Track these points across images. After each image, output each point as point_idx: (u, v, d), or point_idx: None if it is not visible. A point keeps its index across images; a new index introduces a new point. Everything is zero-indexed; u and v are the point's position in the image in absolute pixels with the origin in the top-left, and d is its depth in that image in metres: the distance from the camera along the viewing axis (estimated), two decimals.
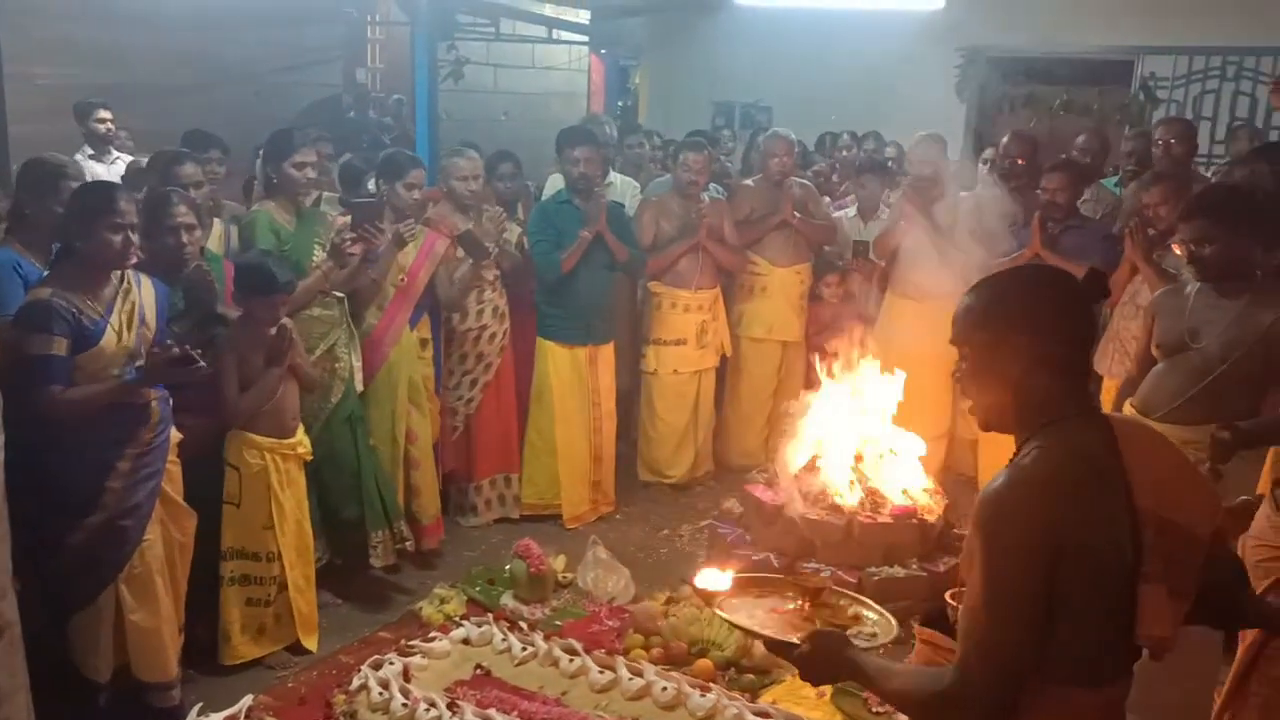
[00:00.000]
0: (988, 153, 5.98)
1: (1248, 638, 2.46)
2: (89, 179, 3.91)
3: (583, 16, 10.06)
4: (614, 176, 5.99)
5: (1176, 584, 1.77)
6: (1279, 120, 7.54)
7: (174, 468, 3.49)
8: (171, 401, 3.42)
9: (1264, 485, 3.53)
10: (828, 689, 3.67)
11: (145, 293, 3.34)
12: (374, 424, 4.49)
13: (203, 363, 3.17)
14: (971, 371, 1.86)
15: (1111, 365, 4.80)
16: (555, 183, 5.73)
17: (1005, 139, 5.77)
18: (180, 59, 7.56)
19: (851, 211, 5.89)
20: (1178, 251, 3.59)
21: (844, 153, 6.97)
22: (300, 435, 3.82)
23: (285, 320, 3.77)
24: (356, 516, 4.27)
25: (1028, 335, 1.79)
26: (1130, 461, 1.78)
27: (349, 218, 4.41)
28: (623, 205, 5.50)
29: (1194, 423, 3.27)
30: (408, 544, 4.46)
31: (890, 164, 6.52)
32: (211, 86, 7.69)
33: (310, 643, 3.86)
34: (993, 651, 1.67)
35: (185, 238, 3.60)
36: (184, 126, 5.43)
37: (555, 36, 10.29)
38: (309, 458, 3.85)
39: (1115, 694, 1.79)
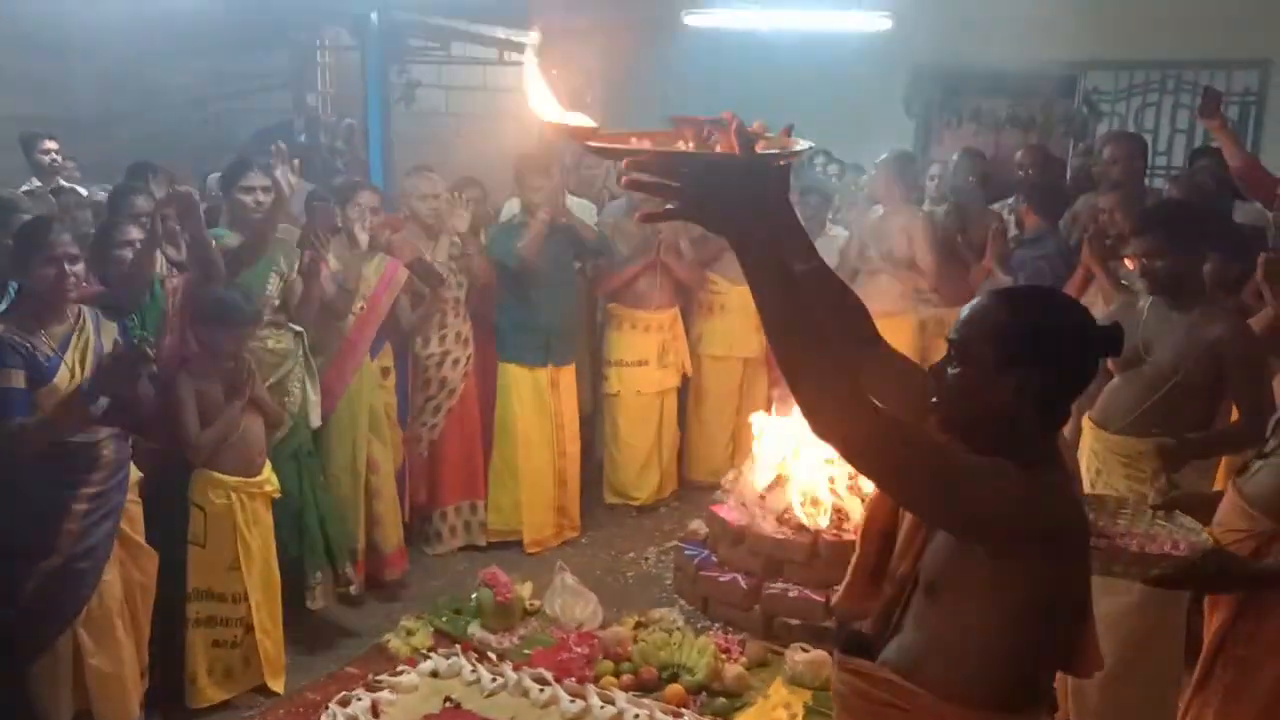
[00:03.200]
0: (934, 169, 6.07)
1: (1214, 623, 2.52)
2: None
3: (533, 38, 10.06)
4: (570, 200, 5.98)
5: None
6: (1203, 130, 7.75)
7: (134, 507, 3.44)
8: (131, 440, 3.38)
9: (1221, 484, 3.64)
10: (799, 711, 3.68)
11: (105, 332, 3.31)
12: (335, 454, 4.46)
13: (151, 355, 3.20)
14: (962, 381, 1.72)
15: None
16: (513, 207, 5.72)
17: (956, 156, 5.87)
18: (123, 87, 7.44)
19: None
20: (1130, 266, 3.67)
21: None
22: (267, 473, 3.76)
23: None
24: (296, 556, 4.18)
25: (1041, 369, 1.67)
26: None
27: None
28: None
29: (1149, 435, 3.34)
30: (351, 587, 4.37)
31: (834, 180, 6.59)
32: (156, 114, 7.59)
33: (277, 685, 3.80)
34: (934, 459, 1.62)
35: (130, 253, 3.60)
36: (129, 156, 5.34)
37: (505, 58, 10.27)
38: (276, 495, 3.80)
39: None
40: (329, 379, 4.38)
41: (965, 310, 1.78)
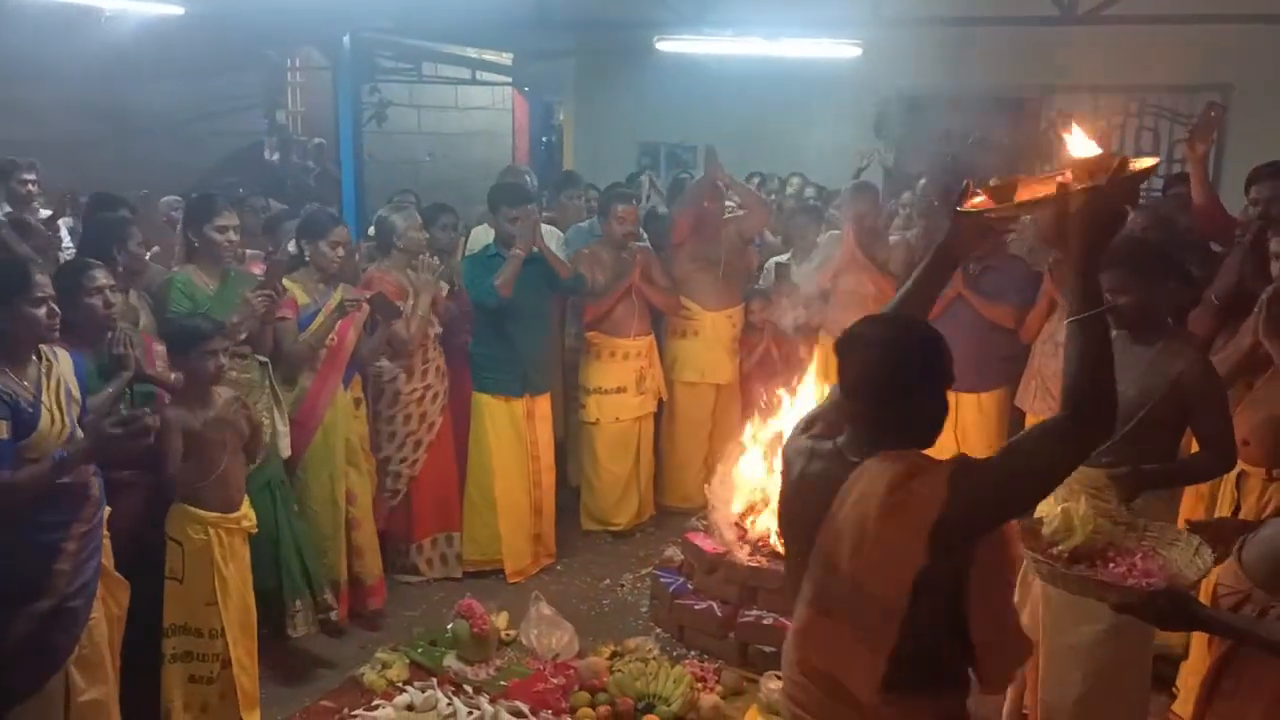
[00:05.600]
0: (905, 196, 6.15)
1: (1205, 670, 2.58)
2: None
3: (505, 59, 10.11)
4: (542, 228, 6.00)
5: (845, 619, 2.12)
6: (1181, 154, 7.88)
7: (105, 540, 3.41)
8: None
9: (1187, 511, 3.72)
10: None
11: (64, 365, 3.23)
12: (314, 488, 4.45)
13: (150, 421, 3.00)
14: None
15: (1034, 402, 4.95)
16: (479, 236, 5.74)
17: (922, 181, 5.94)
18: (92, 111, 7.41)
19: (784, 257, 5.99)
20: None
21: (771, 197, 7.09)
22: (245, 508, 3.74)
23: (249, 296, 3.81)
24: (275, 586, 4.16)
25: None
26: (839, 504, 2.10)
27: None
28: None
29: (1116, 465, 3.40)
30: (332, 614, 4.34)
31: (812, 203, 6.65)
32: (126, 137, 7.55)
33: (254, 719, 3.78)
34: None
35: (110, 297, 3.54)
36: (98, 179, 5.32)
37: (478, 78, 10.32)
38: (254, 530, 3.78)
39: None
40: (304, 413, 4.37)
41: None
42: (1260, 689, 2.35)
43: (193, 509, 3.59)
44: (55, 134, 6.96)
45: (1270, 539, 2.39)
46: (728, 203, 5.85)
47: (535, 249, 5.01)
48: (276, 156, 9.36)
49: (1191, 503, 3.84)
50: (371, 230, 5.35)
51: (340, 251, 4.52)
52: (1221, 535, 2.64)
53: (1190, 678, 3.66)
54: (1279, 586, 2.34)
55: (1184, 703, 3.68)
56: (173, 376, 3.74)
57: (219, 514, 3.62)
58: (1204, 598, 2.76)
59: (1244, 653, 2.40)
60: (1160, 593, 2.31)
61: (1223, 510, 3.69)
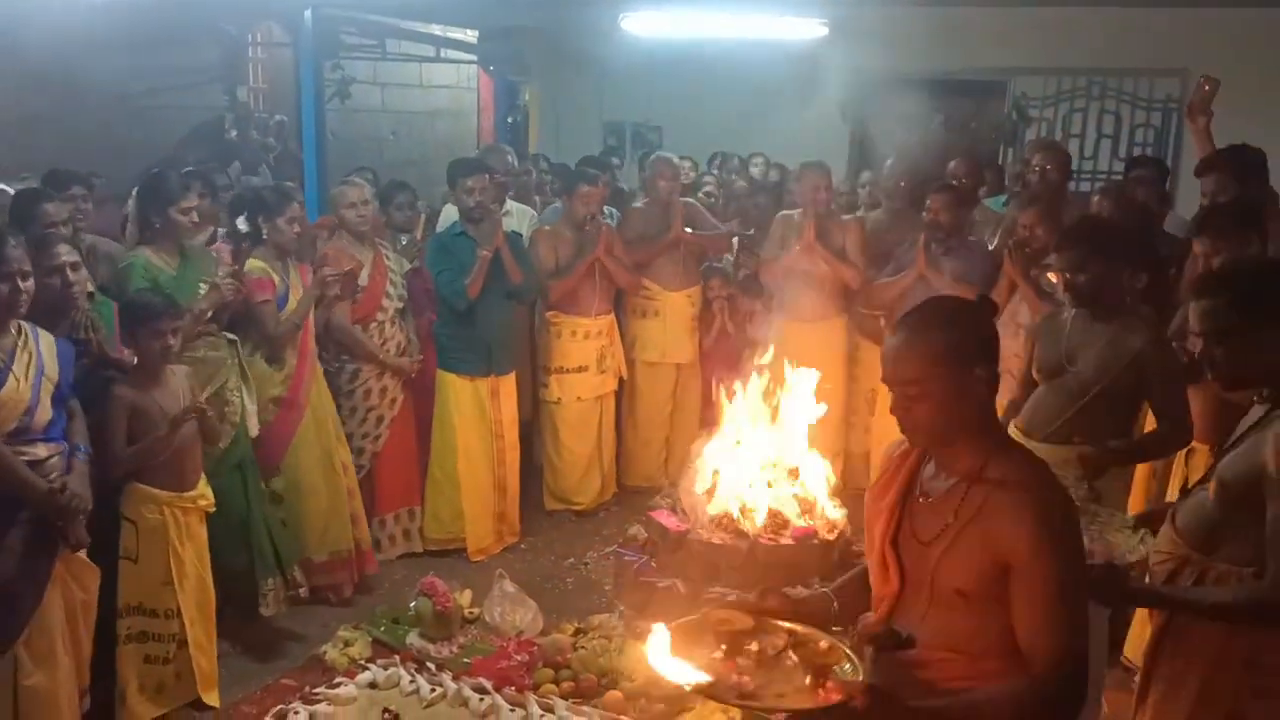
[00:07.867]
0: (865, 176, 6.16)
1: (1148, 638, 2.64)
2: None
3: (470, 36, 10.00)
4: (510, 205, 5.98)
5: None
6: (1141, 138, 7.99)
7: None
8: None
9: (1135, 501, 3.79)
10: (736, 715, 3.73)
11: (45, 345, 3.22)
12: (311, 463, 4.51)
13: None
14: (933, 402, 1.96)
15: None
16: (450, 215, 5.70)
17: (888, 162, 5.95)
18: (42, 83, 7.20)
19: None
20: (1054, 279, 3.78)
21: (732, 176, 7.09)
22: (202, 487, 3.70)
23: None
24: (245, 565, 4.16)
25: (985, 365, 1.98)
26: None
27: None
28: (521, 235, 5.49)
29: (1072, 443, 3.45)
30: (301, 591, 4.36)
31: (776, 186, 6.66)
32: (79, 112, 7.37)
33: (212, 699, 3.75)
34: (1078, 639, 1.88)
35: (71, 276, 3.47)
36: (50, 154, 5.21)
37: (443, 55, 10.21)
38: (211, 509, 3.75)
39: None
40: (292, 390, 4.40)
41: None
42: (1203, 650, 2.41)
43: (147, 488, 3.56)
44: (2, 109, 6.80)
45: (1201, 503, 2.44)
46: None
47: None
48: (235, 133, 9.20)
49: (1144, 474, 3.91)
50: None
51: (296, 227, 4.49)
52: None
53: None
54: (1211, 548, 2.39)
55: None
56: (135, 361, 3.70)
57: (173, 493, 3.60)
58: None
59: (1180, 619, 2.46)
60: (1096, 567, 2.36)
61: (1174, 483, 3.77)
